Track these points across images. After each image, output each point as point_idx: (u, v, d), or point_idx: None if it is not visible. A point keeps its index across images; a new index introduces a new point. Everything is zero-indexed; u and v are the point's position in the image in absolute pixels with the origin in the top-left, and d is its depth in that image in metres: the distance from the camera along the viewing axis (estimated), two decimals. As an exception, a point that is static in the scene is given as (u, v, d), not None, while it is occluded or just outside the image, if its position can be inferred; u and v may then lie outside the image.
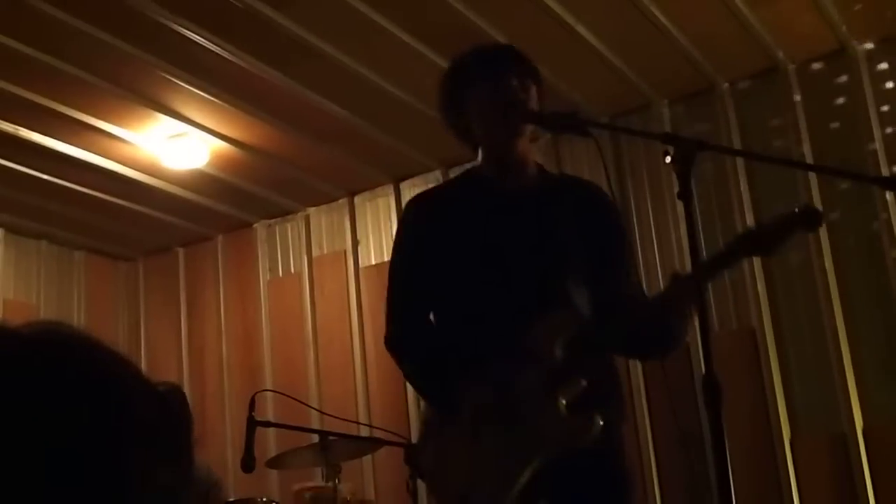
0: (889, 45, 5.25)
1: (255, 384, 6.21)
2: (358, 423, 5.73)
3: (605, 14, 4.83)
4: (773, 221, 2.18)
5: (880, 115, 5.22)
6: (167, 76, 5.01)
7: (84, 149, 5.68)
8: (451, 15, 4.64)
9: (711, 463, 2.14)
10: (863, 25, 5.13)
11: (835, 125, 5.33)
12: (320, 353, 6.52)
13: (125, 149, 5.74)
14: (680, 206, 2.00)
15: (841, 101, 5.34)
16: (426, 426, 2.59)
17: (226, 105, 5.33)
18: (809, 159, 5.30)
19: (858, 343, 5.09)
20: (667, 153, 2.00)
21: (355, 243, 6.60)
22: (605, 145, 4.63)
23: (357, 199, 6.65)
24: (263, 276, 6.87)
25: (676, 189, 1.99)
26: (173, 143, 5.68)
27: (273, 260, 6.89)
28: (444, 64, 4.85)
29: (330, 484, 4.29)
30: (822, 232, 5.09)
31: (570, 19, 4.82)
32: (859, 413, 5.01)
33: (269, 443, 5.40)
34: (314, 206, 6.76)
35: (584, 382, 2.30)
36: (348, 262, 6.58)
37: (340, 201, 6.68)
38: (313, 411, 5.26)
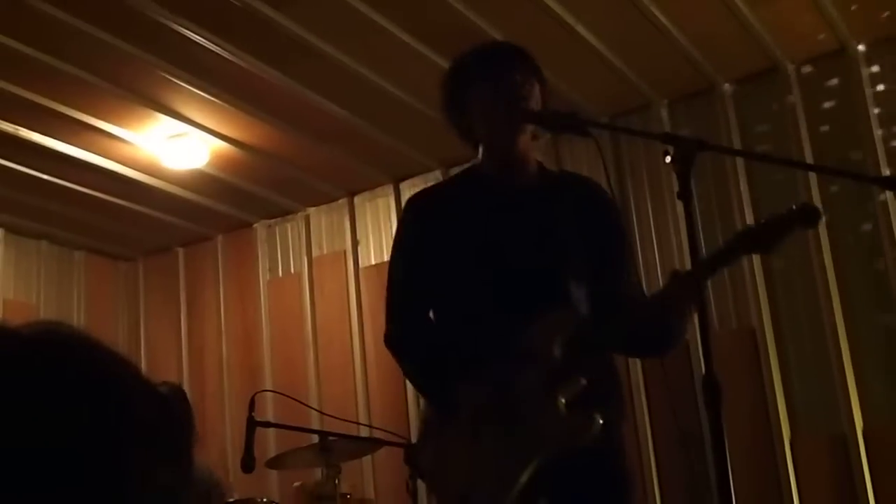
0: (889, 45, 5.24)
1: (254, 384, 6.21)
2: (358, 423, 5.73)
3: (605, 14, 4.83)
4: (772, 219, 2.18)
5: (880, 114, 5.22)
6: (167, 76, 5.01)
7: (84, 149, 5.68)
8: (451, 15, 4.64)
9: (711, 463, 2.15)
10: (862, 26, 5.13)
11: (834, 125, 5.33)
12: (320, 354, 6.52)
13: (125, 149, 5.74)
14: (680, 205, 2.01)
15: (840, 101, 5.34)
16: (425, 425, 2.59)
17: (226, 105, 5.33)
18: (809, 159, 5.30)
19: (858, 343, 5.09)
20: (666, 153, 2.01)
21: (355, 243, 6.60)
22: (604, 145, 4.62)
23: (357, 200, 6.65)
24: (263, 276, 6.87)
25: (676, 189, 1.99)
26: (173, 143, 5.68)
27: (273, 260, 6.89)
28: (444, 64, 4.85)
29: (330, 484, 4.29)
30: (822, 231, 5.09)
31: (569, 19, 4.82)
32: (859, 413, 5.01)
33: (269, 443, 5.40)
34: (314, 206, 6.76)
35: (583, 381, 2.30)
36: (348, 262, 6.58)
37: (340, 201, 6.68)
38: (313, 411, 5.26)
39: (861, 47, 5.29)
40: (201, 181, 6.20)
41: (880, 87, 5.25)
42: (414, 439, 3.69)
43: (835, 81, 5.36)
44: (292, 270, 6.80)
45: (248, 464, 3.87)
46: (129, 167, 5.95)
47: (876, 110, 5.23)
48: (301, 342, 6.59)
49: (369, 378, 6.28)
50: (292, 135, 5.74)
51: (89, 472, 0.75)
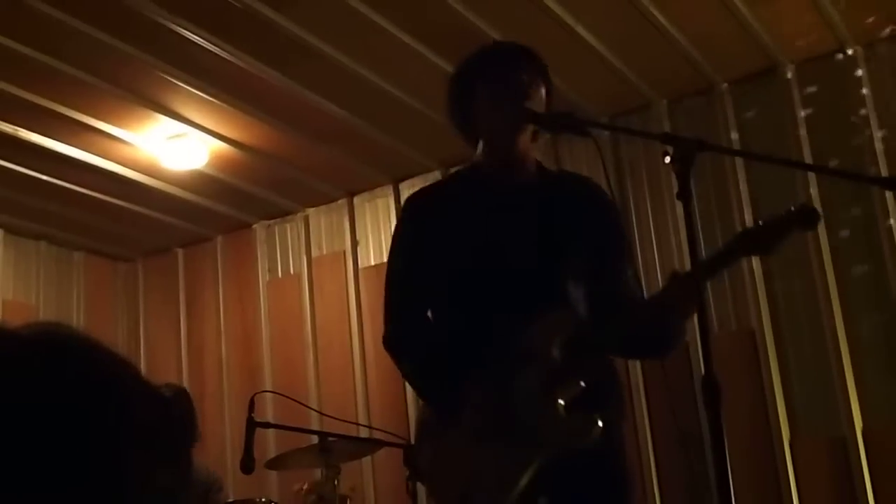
0: (887, 45, 5.24)
1: (254, 385, 6.22)
2: (357, 424, 5.73)
3: (605, 14, 4.83)
4: (771, 220, 2.19)
5: (880, 114, 5.21)
6: (166, 76, 5.01)
7: (83, 149, 5.68)
8: (451, 15, 4.64)
9: (711, 463, 2.15)
10: (862, 26, 5.13)
11: (834, 125, 5.33)
12: (320, 354, 6.52)
13: (124, 149, 5.74)
14: (679, 206, 2.00)
15: (840, 100, 5.34)
16: (423, 426, 2.59)
17: (225, 105, 5.33)
18: (808, 159, 5.30)
19: (858, 344, 5.08)
20: (666, 153, 2.01)
21: (354, 244, 6.60)
22: (604, 145, 4.63)
23: (356, 200, 6.65)
24: (263, 277, 6.87)
25: (675, 189, 1.99)
26: (173, 143, 5.68)
27: (272, 260, 6.89)
28: (443, 64, 4.89)
29: (329, 485, 4.29)
30: (822, 232, 5.09)
31: (569, 19, 4.81)
32: (859, 415, 5.00)
33: (269, 444, 5.40)
34: (313, 206, 6.76)
35: (582, 384, 2.30)
36: (347, 262, 6.58)
37: (340, 202, 6.68)
38: (313, 412, 5.26)
39: (860, 47, 5.29)
40: (201, 182, 6.20)
41: (880, 87, 5.25)
42: (412, 440, 3.70)
43: (834, 81, 5.36)
44: (292, 271, 6.79)
45: (247, 465, 3.87)
46: (129, 168, 5.95)
47: (875, 110, 5.23)
48: (300, 343, 6.59)
49: (369, 379, 6.28)
50: (292, 135, 5.74)
51: (89, 473, 0.75)
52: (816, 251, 5.16)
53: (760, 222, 2.22)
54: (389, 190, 6.50)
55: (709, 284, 2.44)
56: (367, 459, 5.52)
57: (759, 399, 5.19)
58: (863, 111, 5.24)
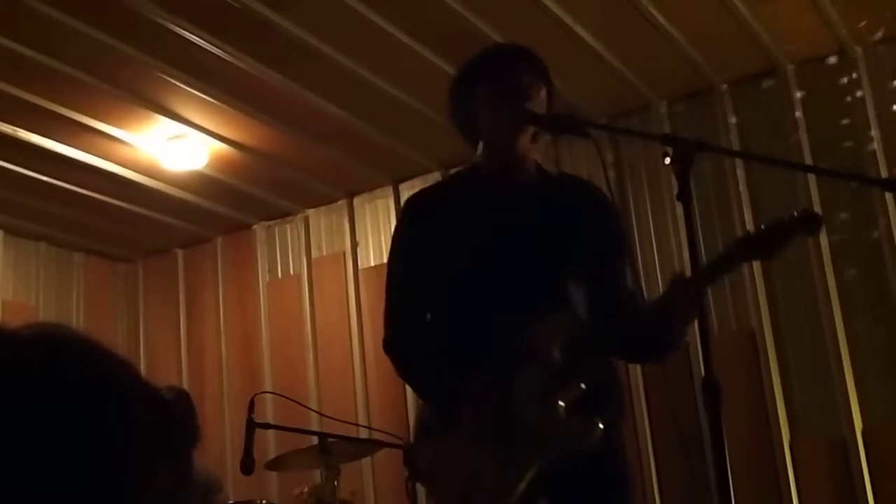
0: (888, 45, 5.25)
1: (254, 386, 6.21)
2: (357, 424, 5.73)
3: (604, 14, 4.83)
4: (773, 225, 2.18)
5: (879, 115, 5.21)
6: (166, 77, 5.01)
7: (83, 150, 5.68)
8: (450, 15, 4.64)
9: (711, 464, 2.14)
10: (862, 26, 5.13)
11: (834, 126, 5.33)
12: (319, 355, 6.52)
13: (124, 150, 5.73)
14: (679, 207, 2.01)
15: (840, 101, 5.34)
16: (422, 425, 2.58)
17: (225, 106, 5.33)
18: (808, 160, 5.29)
19: (858, 345, 5.08)
20: (666, 154, 2.01)
21: (354, 245, 6.60)
22: (604, 146, 4.63)
23: (356, 201, 6.65)
24: (263, 278, 6.87)
25: (675, 190, 1.99)
26: (172, 144, 5.68)
27: (272, 261, 6.89)
28: (443, 65, 4.89)
29: (329, 486, 4.29)
30: (822, 233, 5.08)
31: (568, 20, 4.81)
32: (859, 415, 5.00)
33: (269, 445, 5.40)
34: (313, 207, 6.76)
35: (582, 386, 2.29)
36: (347, 263, 6.58)
37: (339, 203, 6.68)
38: (312, 413, 5.26)
39: (860, 48, 5.29)
40: (200, 183, 6.20)
41: (879, 88, 5.25)
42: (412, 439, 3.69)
43: (834, 82, 5.36)
44: (292, 272, 6.79)
45: (247, 465, 3.87)
46: (129, 168, 5.95)
47: (875, 110, 5.23)
48: (300, 344, 6.59)
49: (369, 379, 6.28)
50: (291, 136, 5.74)
51: (89, 474, 0.75)
52: (816, 252, 5.16)
53: (763, 227, 2.21)
54: (389, 191, 6.49)
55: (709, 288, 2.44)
56: (366, 460, 5.52)
57: (759, 399, 5.19)
58: (862, 112, 5.24)
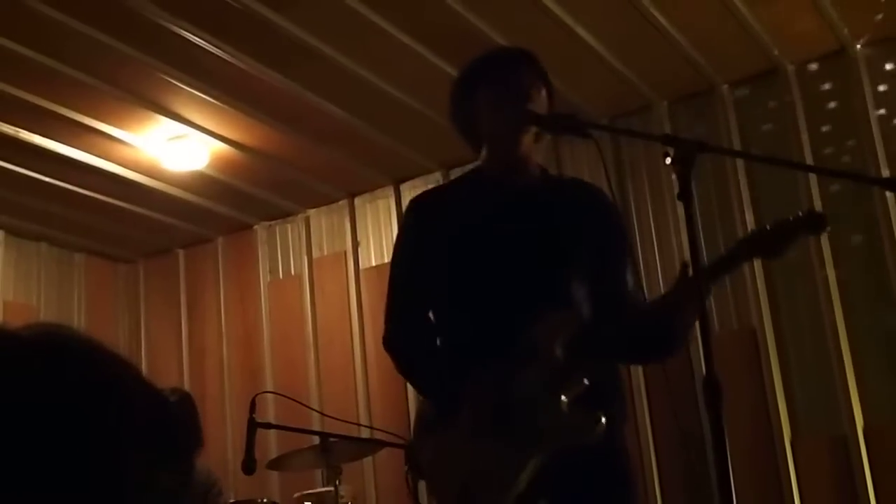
0: (889, 45, 5.25)
1: (255, 386, 6.21)
2: (359, 424, 5.74)
3: (605, 15, 4.83)
4: (778, 224, 2.19)
5: (879, 115, 5.22)
6: (167, 78, 5.01)
7: (84, 151, 5.68)
8: (451, 16, 4.64)
9: (712, 463, 2.15)
10: (862, 26, 5.13)
11: (834, 126, 5.33)
12: (321, 355, 6.52)
13: (125, 151, 5.74)
14: (680, 207, 2.01)
15: (840, 101, 5.34)
16: (422, 421, 2.59)
17: (226, 107, 5.33)
18: (809, 160, 5.29)
19: (859, 343, 5.09)
20: (667, 155, 2.01)
21: (355, 245, 6.60)
22: (605, 147, 4.63)
23: (357, 201, 6.65)
24: (264, 278, 6.87)
25: (676, 190, 1.99)
26: (173, 144, 5.68)
27: (273, 261, 6.89)
28: (443, 65, 4.89)
29: (330, 486, 4.29)
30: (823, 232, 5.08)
31: (569, 20, 4.81)
32: (860, 413, 5.00)
33: (270, 444, 5.41)
34: (314, 207, 6.76)
35: (586, 382, 2.30)
36: (348, 263, 6.58)
37: (340, 203, 6.68)
38: (314, 413, 5.26)
39: (860, 48, 5.29)
40: (201, 183, 6.20)
41: (880, 88, 5.26)
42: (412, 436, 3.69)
43: (835, 82, 5.36)
44: (293, 272, 6.80)
45: (248, 465, 3.87)
46: (130, 169, 5.95)
47: (875, 111, 5.23)
48: (302, 344, 6.59)
49: (370, 379, 6.28)
50: (292, 136, 5.74)
51: (90, 474, 0.75)
52: (817, 250, 5.16)
53: (768, 226, 2.23)
54: (390, 191, 6.50)
55: (713, 287, 2.44)
56: (368, 460, 5.51)
57: (761, 398, 5.19)
58: (864, 111, 5.24)
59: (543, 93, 2.56)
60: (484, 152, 2.63)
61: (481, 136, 2.63)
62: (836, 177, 5.31)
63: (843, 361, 5.05)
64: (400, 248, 2.69)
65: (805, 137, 5.35)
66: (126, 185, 6.10)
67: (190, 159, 5.80)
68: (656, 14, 4.81)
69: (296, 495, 4.67)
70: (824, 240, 5.13)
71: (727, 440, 1.85)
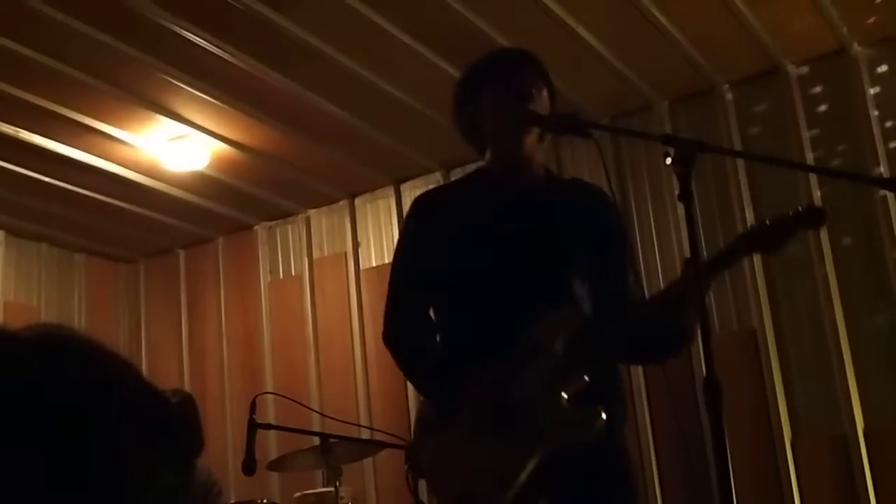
0: (889, 45, 5.25)
1: (255, 386, 6.21)
2: (359, 425, 5.74)
3: (605, 15, 4.83)
4: (778, 219, 2.20)
5: (879, 115, 5.22)
6: (168, 78, 5.01)
7: (85, 151, 5.68)
8: (451, 16, 4.64)
9: (712, 463, 2.14)
10: (863, 26, 5.13)
11: (834, 126, 5.33)
12: (321, 356, 6.52)
13: (126, 151, 5.74)
14: (680, 207, 2.01)
15: (840, 101, 5.34)
16: (422, 421, 2.59)
17: (226, 107, 5.33)
18: (809, 160, 5.30)
19: (859, 343, 5.09)
20: (667, 154, 2.01)
21: (356, 245, 6.60)
22: (605, 146, 4.64)
23: (357, 201, 6.65)
24: (264, 278, 6.87)
25: (677, 190, 1.99)
26: (174, 145, 5.68)
27: (274, 262, 6.89)
28: (444, 65, 4.89)
29: (331, 487, 4.29)
30: (823, 232, 5.09)
31: (569, 20, 4.82)
32: (860, 413, 5.01)
33: (270, 445, 5.41)
34: (315, 207, 6.76)
35: (586, 378, 2.30)
36: (349, 263, 6.58)
37: (341, 203, 6.68)
38: (314, 414, 5.26)
39: (860, 48, 5.29)
40: (202, 183, 6.20)
41: (880, 88, 5.26)
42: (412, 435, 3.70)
43: (835, 82, 5.36)
44: (293, 272, 6.80)
45: (249, 466, 3.87)
46: (130, 169, 5.95)
47: (875, 111, 5.23)
48: (302, 344, 6.59)
49: (370, 380, 6.28)
50: (293, 136, 5.74)
51: (90, 475, 0.75)
52: (818, 250, 5.16)
53: (768, 221, 2.23)
54: (391, 191, 6.50)
55: (712, 281, 2.44)
56: (368, 461, 5.52)
57: (761, 398, 5.19)
58: (864, 111, 5.24)
59: (545, 93, 2.57)
60: (488, 154, 2.64)
61: (485, 137, 2.63)
62: (836, 177, 5.31)
63: (843, 361, 5.05)
64: (401, 247, 2.70)
65: (805, 137, 5.35)
66: (126, 186, 6.11)
67: (190, 159, 5.80)
68: (657, 14, 4.81)
69: (296, 496, 4.67)
70: (824, 240, 5.13)
71: (727, 440, 1.85)
